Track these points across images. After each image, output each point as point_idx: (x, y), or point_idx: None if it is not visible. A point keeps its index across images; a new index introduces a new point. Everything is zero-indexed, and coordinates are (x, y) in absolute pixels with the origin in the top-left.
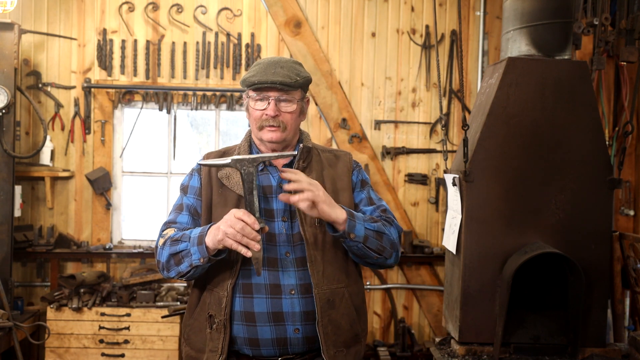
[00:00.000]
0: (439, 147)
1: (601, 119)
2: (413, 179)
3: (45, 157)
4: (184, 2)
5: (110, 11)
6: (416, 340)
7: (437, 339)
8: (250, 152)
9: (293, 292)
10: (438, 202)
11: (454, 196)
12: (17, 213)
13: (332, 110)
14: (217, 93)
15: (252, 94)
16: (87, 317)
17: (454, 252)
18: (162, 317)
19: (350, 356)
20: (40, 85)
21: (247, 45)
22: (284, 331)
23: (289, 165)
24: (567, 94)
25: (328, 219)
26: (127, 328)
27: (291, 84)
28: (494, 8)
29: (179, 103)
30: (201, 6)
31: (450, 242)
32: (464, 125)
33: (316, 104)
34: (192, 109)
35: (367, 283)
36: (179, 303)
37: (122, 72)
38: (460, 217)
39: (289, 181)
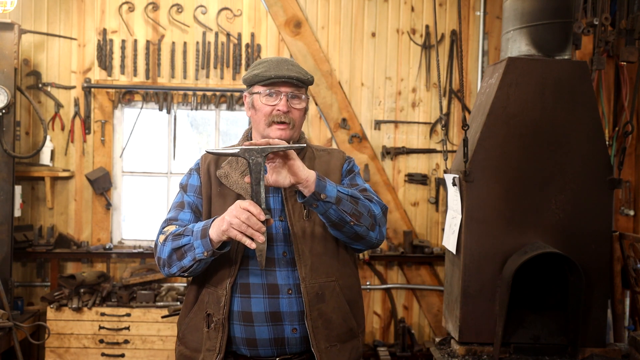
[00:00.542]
0: (439, 147)
1: (601, 119)
2: (413, 179)
3: (45, 157)
4: (184, 2)
5: (110, 11)
6: (416, 340)
7: (437, 339)
8: None
9: (290, 291)
10: (438, 202)
11: (454, 196)
12: (17, 213)
13: (332, 110)
14: (217, 93)
15: (261, 89)
16: (87, 317)
17: (454, 252)
18: (162, 317)
19: (346, 351)
20: (40, 85)
21: (247, 45)
22: (281, 331)
23: None
24: (567, 94)
25: (298, 177)
26: (127, 328)
27: (305, 80)
28: (494, 8)
29: (179, 103)
30: (201, 6)
31: (450, 242)
32: (464, 125)
33: (316, 104)
34: (192, 109)
35: (367, 283)
36: (179, 303)
37: (122, 72)
38: (460, 217)
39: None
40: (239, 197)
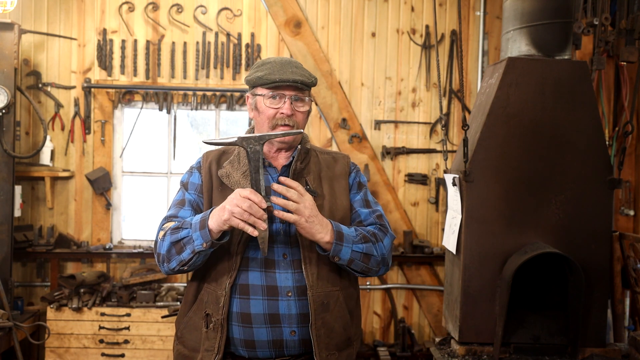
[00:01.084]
0: (439, 147)
1: (601, 119)
2: (413, 179)
3: (45, 157)
4: (184, 2)
5: (110, 11)
6: (416, 340)
7: (437, 339)
8: None
9: (290, 294)
10: (438, 202)
11: (454, 196)
12: (17, 213)
13: (332, 110)
14: (217, 93)
15: (264, 91)
16: (87, 317)
17: (454, 252)
18: (162, 317)
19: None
20: (40, 85)
21: (247, 45)
22: (280, 333)
23: (288, 166)
24: (567, 94)
25: (311, 239)
26: (127, 328)
27: (309, 83)
28: (494, 8)
29: (179, 103)
30: (201, 6)
31: (450, 242)
32: (464, 125)
33: (316, 104)
34: (192, 109)
35: (367, 283)
36: (178, 303)
37: (122, 72)
38: (460, 217)
39: (280, 195)
40: None
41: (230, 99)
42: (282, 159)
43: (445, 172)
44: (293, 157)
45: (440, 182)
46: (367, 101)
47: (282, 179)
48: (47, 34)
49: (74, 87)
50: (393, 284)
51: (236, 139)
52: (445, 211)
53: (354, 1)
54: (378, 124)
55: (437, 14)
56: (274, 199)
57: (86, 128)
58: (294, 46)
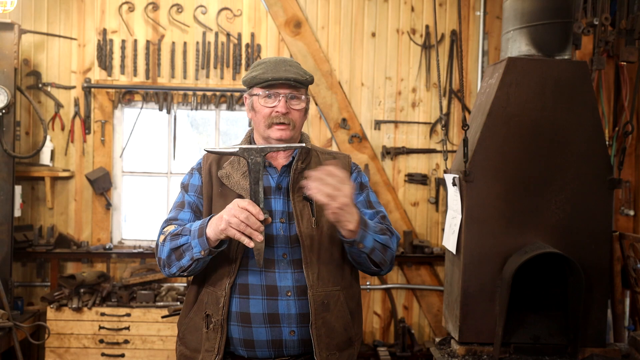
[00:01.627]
0: (439, 147)
1: (601, 119)
2: (413, 179)
3: (45, 157)
4: (184, 2)
5: (110, 11)
6: (416, 340)
7: (437, 339)
8: None
9: (289, 293)
10: (438, 202)
11: (454, 196)
12: (17, 213)
13: (332, 110)
14: (217, 93)
15: (260, 91)
16: (87, 317)
17: (454, 252)
18: (162, 317)
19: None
20: (40, 85)
21: (247, 45)
22: (279, 333)
23: (287, 166)
24: (567, 94)
25: (343, 227)
26: (127, 328)
27: (303, 81)
28: (494, 8)
29: (179, 103)
30: (201, 6)
31: (450, 242)
32: (464, 125)
33: (316, 104)
34: (192, 109)
35: (367, 283)
36: (179, 303)
37: (122, 72)
38: (460, 217)
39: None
40: (240, 198)
41: (230, 99)
42: (281, 159)
43: (445, 172)
44: (293, 157)
45: (440, 182)
46: (367, 101)
47: (327, 166)
48: (47, 34)
49: (74, 87)
50: (393, 284)
51: (238, 149)
52: (445, 211)
53: (354, 1)
54: (378, 124)
55: (437, 14)
56: (307, 184)
57: (86, 128)
58: (294, 46)
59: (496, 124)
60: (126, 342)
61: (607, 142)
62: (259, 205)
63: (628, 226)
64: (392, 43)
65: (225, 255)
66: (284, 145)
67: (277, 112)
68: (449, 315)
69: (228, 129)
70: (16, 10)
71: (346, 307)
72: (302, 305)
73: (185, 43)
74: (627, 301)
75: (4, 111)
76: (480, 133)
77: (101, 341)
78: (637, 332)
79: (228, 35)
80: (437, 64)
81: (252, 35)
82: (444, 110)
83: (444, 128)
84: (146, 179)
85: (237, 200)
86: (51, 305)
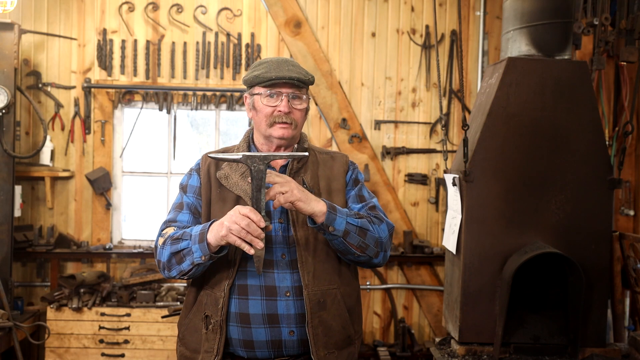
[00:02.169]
0: (439, 147)
1: (601, 119)
2: (413, 179)
3: (45, 157)
4: (184, 2)
5: (110, 11)
6: (416, 340)
7: (437, 339)
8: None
9: (288, 294)
10: (438, 202)
11: (454, 196)
12: (17, 213)
13: (332, 110)
14: (217, 93)
15: (262, 90)
16: (87, 317)
17: (454, 252)
18: (162, 317)
19: (342, 358)
20: (40, 85)
21: (247, 45)
22: (278, 333)
23: (285, 164)
24: (567, 94)
25: (306, 213)
26: (127, 328)
27: (305, 81)
28: (494, 8)
29: (179, 103)
30: (201, 6)
31: (450, 242)
32: (464, 125)
33: (316, 104)
34: (192, 109)
35: (367, 283)
36: (178, 303)
37: (122, 72)
38: (460, 217)
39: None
40: (239, 198)
41: (230, 99)
42: (280, 160)
43: (445, 172)
44: None
45: (440, 182)
46: (367, 101)
47: (270, 174)
48: (47, 34)
49: (74, 87)
50: (393, 284)
51: (241, 156)
52: (445, 211)
53: (354, 1)
54: (378, 124)
55: (437, 14)
56: (267, 194)
57: (86, 128)
58: (294, 46)
59: (496, 124)
60: (126, 342)
61: (607, 142)
62: (260, 212)
63: (628, 226)
64: (392, 43)
65: (225, 258)
66: (288, 153)
67: (279, 111)
68: (449, 315)
69: (228, 129)
70: (16, 10)
71: (344, 306)
72: (301, 306)
73: (185, 43)
74: (627, 301)
75: (4, 111)
76: (480, 133)
77: (101, 341)
78: (637, 332)
79: (228, 35)
80: (437, 64)
81: (252, 35)
82: (444, 110)
83: (444, 128)
84: (146, 179)
85: (238, 207)
86: (51, 305)
